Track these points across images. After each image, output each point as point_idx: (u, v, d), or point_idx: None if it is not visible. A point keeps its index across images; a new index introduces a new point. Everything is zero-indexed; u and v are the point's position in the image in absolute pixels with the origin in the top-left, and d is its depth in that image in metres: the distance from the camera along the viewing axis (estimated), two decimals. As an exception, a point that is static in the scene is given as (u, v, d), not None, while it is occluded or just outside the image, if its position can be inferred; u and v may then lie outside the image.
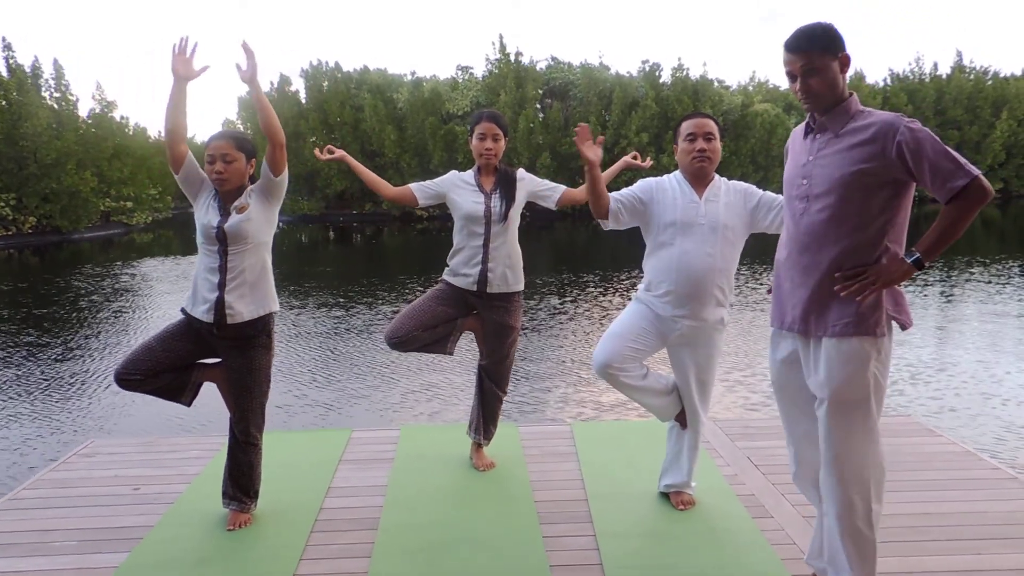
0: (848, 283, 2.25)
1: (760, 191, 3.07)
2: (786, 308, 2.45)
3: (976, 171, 2.15)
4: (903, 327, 2.34)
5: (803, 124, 2.47)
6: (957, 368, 7.07)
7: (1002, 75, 35.97)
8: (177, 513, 3.31)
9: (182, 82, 2.86)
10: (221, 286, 2.94)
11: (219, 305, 2.94)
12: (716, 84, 31.78)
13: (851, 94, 2.33)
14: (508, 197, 3.52)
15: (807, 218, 2.36)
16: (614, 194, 3.04)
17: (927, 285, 11.63)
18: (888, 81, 36.22)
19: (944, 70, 36.29)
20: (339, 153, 3.59)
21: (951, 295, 10.91)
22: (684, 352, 3.14)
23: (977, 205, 2.15)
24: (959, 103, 34.13)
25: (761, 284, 11.85)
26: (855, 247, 2.28)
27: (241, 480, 3.17)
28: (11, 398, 6.58)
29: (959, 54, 37.94)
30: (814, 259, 2.34)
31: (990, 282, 11.88)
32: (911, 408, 5.86)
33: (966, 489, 3.41)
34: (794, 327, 2.41)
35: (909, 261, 2.23)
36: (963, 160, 2.16)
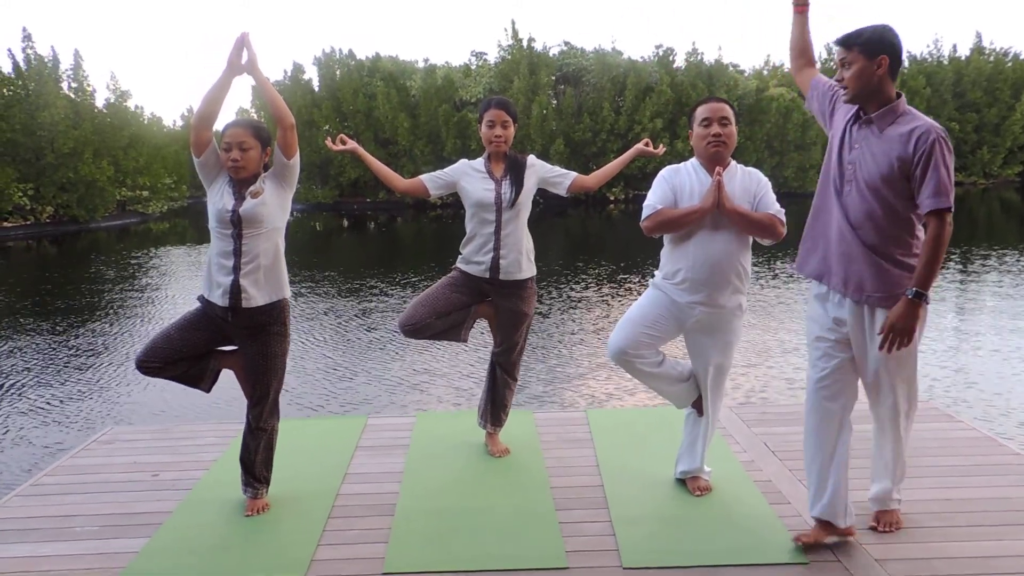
0: (888, 344, 2.54)
1: (766, 189, 3.01)
2: (832, 267, 2.71)
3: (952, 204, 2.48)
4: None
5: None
6: (976, 354, 7.00)
7: (1022, 57, 35.37)
8: (195, 499, 3.34)
9: (233, 74, 2.90)
10: (236, 270, 2.96)
11: (234, 289, 2.95)
12: (731, 69, 31.40)
13: (899, 96, 2.60)
14: (518, 183, 3.50)
15: (851, 200, 2.65)
16: (657, 205, 3.00)
17: (945, 271, 11.51)
18: (906, 64, 35.68)
19: (963, 52, 35.80)
20: (351, 145, 3.56)
21: (969, 281, 10.79)
22: (701, 339, 3.11)
23: (948, 229, 2.47)
24: (978, 85, 33.60)
25: (778, 272, 11.77)
26: (894, 234, 2.59)
27: (255, 467, 3.19)
28: (31, 386, 6.65)
29: (978, 35, 37.48)
30: (857, 238, 2.63)
31: (1008, 266, 11.74)
32: (931, 394, 5.81)
33: (987, 475, 3.38)
34: (846, 293, 2.68)
35: (910, 298, 2.49)
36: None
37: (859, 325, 2.68)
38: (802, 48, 3.01)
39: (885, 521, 2.89)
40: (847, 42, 2.61)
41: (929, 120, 2.54)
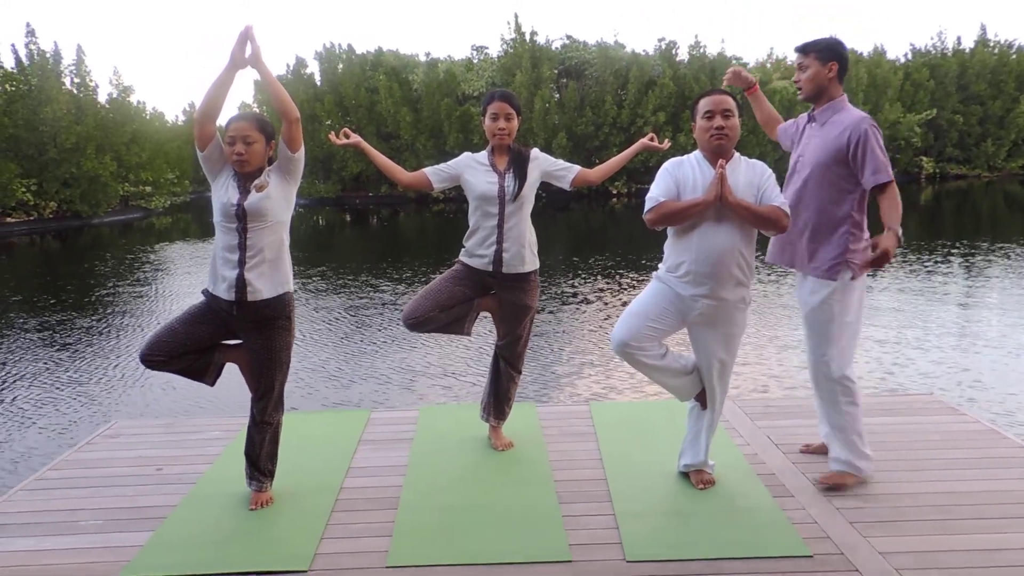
0: (872, 263, 2.98)
1: (770, 181, 2.99)
2: (785, 249, 3.30)
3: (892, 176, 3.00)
4: (852, 276, 3.08)
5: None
6: (979, 347, 6.99)
7: (1027, 49, 35.13)
8: (199, 493, 3.35)
9: (236, 68, 2.89)
10: (241, 263, 2.96)
11: (239, 283, 2.95)
12: (734, 62, 31.27)
13: (842, 95, 3.16)
14: (521, 176, 3.49)
15: (797, 188, 3.19)
16: (660, 198, 2.99)
17: (948, 263, 11.49)
18: (909, 56, 35.52)
19: (967, 44, 35.53)
20: (354, 138, 3.56)
21: (973, 273, 10.77)
22: (704, 332, 3.11)
23: (894, 190, 2.96)
24: (982, 78, 33.43)
25: (775, 266, 11.73)
26: (827, 213, 3.10)
27: (260, 460, 3.20)
28: (36, 381, 6.67)
29: (983, 28, 37.10)
30: (799, 218, 3.17)
31: (1011, 260, 11.71)
32: (933, 387, 5.80)
33: (990, 468, 3.38)
34: (794, 265, 3.27)
35: (891, 228, 2.94)
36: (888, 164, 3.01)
37: (799, 291, 3.27)
38: (767, 120, 3.68)
39: (832, 483, 3.21)
40: (805, 49, 3.16)
41: (861, 113, 3.06)
